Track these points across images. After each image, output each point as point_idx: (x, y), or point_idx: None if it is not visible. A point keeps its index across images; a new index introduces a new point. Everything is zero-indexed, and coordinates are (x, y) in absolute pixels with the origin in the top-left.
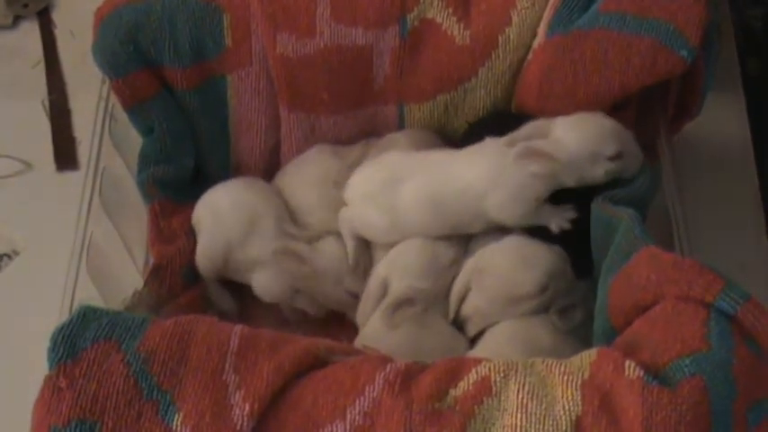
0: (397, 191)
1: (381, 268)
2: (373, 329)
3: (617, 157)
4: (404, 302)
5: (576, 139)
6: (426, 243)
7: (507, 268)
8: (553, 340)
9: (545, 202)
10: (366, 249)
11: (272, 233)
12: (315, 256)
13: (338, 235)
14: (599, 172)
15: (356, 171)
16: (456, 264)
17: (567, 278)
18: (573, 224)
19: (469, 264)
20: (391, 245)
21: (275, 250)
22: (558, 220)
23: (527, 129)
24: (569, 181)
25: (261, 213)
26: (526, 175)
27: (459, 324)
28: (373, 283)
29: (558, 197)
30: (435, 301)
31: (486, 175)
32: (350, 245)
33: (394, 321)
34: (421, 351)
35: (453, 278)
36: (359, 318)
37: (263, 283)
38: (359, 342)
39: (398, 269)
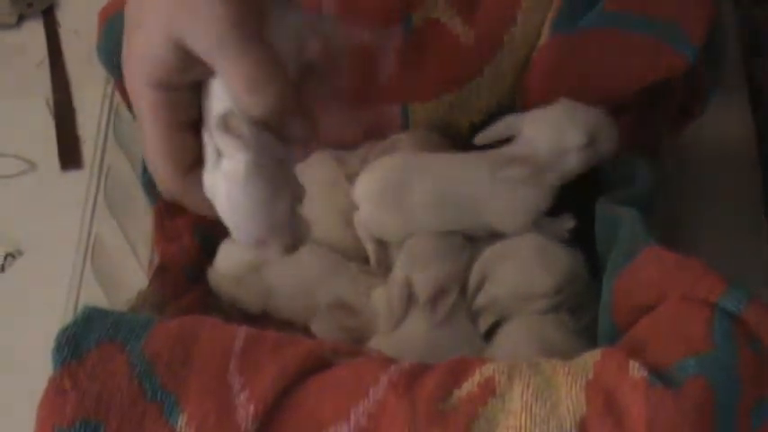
0: (405, 192)
1: (398, 271)
2: (412, 332)
3: (588, 144)
4: (439, 293)
5: (544, 136)
6: (433, 232)
7: (526, 264)
8: (566, 339)
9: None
10: (386, 248)
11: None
12: (368, 307)
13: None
14: (572, 164)
15: (363, 171)
16: (465, 249)
17: (582, 282)
18: (572, 232)
19: (487, 253)
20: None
21: (328, 304)
22: (556, 231)
23: (499, 126)
24: (554, 179)
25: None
26: (520, 185)
27: (471, 318)
28: (395, 287)
29: (561, 198)
30: (462, 292)
31: (486, 184)
32: (369, 247)
33: (438, 316)
34: (452, 352)
35: (467, 266)
36: (385, 325)
37: (320, 334)
38: (385, 344)
39: (418, 262)
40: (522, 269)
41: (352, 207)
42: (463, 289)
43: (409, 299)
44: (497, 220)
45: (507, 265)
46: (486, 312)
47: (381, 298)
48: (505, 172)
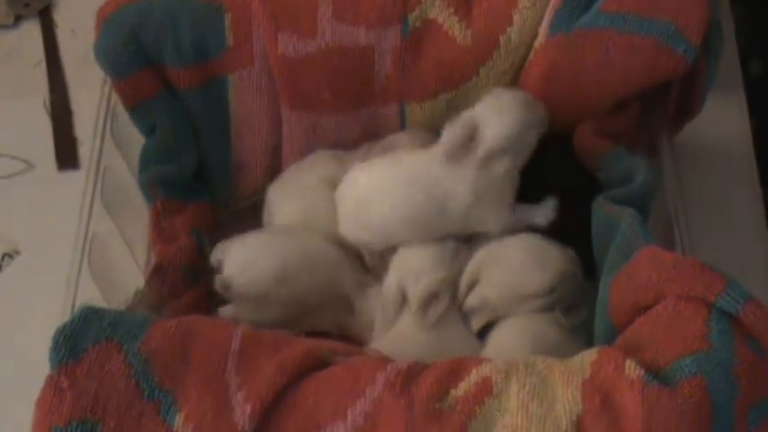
0: (373, 209)
1: (392, 277)
2: (403, 333)
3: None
4: (431, 298)
5: (507, 120)
6: (425, 243)
7: (519, 264)
8: (561, 338)
9: (518, 202)
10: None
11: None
12: (365, 306)
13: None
14: (532, 139)
15: (339, 185)
16: (459, 254)
17: (576, 281)
18: (566, 219)
19: (480, 254)
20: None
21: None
22: (542, 214)
23: (456, 131)
24: (520, 161)
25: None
26: (493, 177)
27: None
28: (389, 293)
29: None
30: (454, 296)
31: (466, 188)
32: (363, 251)
33: (428, 320)
34: (444, 352)
35: (460, 272)
36: (378, 328)
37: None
38: (379, 346)
39: (411, 272)
40: (514, 270)
41: None
42: (456, 291)
43: (403, 301)
44: (479, 225)
45: (499, 266)
46: (478, 313)
47: (378, 302)
48: (458, 160)
